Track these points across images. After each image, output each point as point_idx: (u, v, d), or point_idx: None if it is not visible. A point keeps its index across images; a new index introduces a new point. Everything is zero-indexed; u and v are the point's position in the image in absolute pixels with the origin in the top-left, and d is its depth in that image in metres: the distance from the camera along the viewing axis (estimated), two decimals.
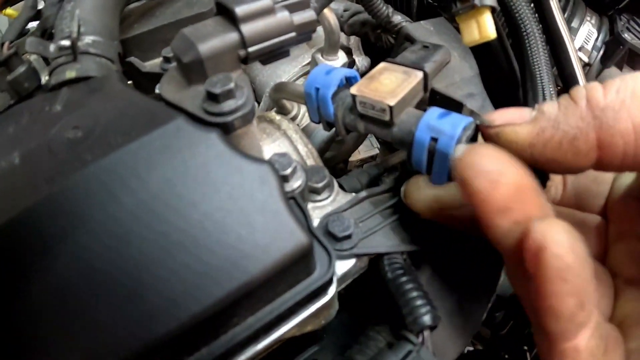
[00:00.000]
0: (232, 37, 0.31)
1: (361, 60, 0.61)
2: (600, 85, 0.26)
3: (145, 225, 0.24)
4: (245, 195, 0.25)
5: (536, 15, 0.48)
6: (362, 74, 0.35)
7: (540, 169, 0.28)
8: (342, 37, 0.54)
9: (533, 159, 0.27)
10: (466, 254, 0.36)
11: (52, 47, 0.37)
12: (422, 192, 0.33)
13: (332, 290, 0.29)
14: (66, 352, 0.22)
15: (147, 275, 0.23)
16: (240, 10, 0.31)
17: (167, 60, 0.45)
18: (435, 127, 0.30)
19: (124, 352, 0.22)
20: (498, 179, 0.25)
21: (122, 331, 0.22)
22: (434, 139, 0.30)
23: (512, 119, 0.28)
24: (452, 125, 0.29)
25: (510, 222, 0.25)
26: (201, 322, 0.23)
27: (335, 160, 0.52)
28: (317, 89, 0.35)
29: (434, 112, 0.31)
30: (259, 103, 0.54)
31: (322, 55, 0.50)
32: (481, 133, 0.30)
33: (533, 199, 0.26)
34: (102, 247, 0.23)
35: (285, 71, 0.55)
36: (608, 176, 0.33)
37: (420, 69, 0.33)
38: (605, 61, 0.65)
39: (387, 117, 0.31)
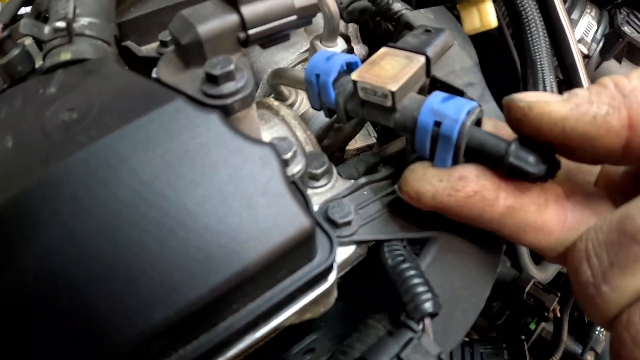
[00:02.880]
0: (232, 18, 0.31)
1: (359, 49, 0.60)
2: (622, 76, 0.27)
3: (141, 209, 0.23)
4: (246, 177, 0.24)
5: (537, 4, 0.48)
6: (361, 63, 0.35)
7: (567, 148, 0.28)
8: (341, 25, 0.53)
9: (564, 134, 0.27)
10: (465, 242, 0.36)
11: (46, 29, 0.36)
12: (418, 176, 0.32)
13: (332, 276, 0.29)
14: (58, 341, 0.22)
15: (143, 260, 0.22)
16: None
17: (163, 44, 0.44)
18: (439, 111, 0.29)
19: (118, 340, 0.22)
20: None
21: (117, 319, 0.22)
22: (438, 123, 0.29)
23: (545, 97, 0.28)
24: (456, 108, 0.29)
25: None
26: (200, 309, 0.22)
27: (332, 148, 0.51)
28: (318, 76, 0.34)
29: (437, 96, 0.30)
30: (256, 90, 0.54)
31: (321, 42, 0.49)
32: (508, 110, 0.29)
33: None
34: (97, 231, 0.23)
35: (283, 58, 0.54)
36: None
37: (423, 53, 0.33)
38: (604, 54, 0.65)
39: (389, 103, 0.31)
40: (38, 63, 0.44)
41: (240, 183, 0.24)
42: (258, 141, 0.25)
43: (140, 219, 0.23)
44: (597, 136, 0.26)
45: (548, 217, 0.31)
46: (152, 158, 0.24)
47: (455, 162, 0.30)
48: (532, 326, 0.55)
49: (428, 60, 0.33)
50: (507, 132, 0.33)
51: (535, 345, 0.55)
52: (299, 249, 0.24)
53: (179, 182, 0.23)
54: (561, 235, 0.31)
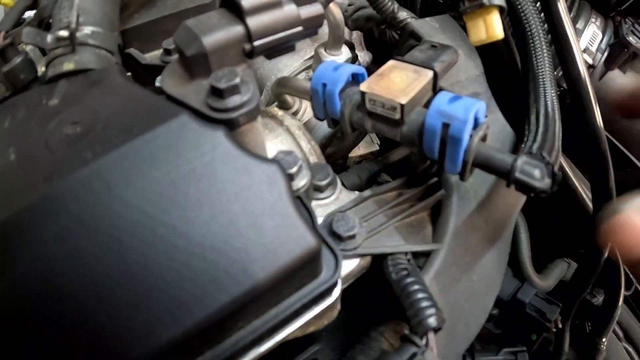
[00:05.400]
0: (238, 30, 0.30)
1: (363, 56, 0.60)
2: None
3: (147, 228, 0.23)
4: (253, 197, 0.24)
5: (542, 14, 0.47)
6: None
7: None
8: (345, 32, 0.53)
9: None
10: (469, 255, 0.36)
11: (49, 38, 0.36)
12: None
13: (337, 291, 0.28)
14: None
15: (149, 280, 0.22)
16: (246, 2, 0.30)
17: (167, 52, 0.44)
18: (447, 112, 0.29)
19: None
20: None
21: (123, 338, 0.22)
22: (446, 125, 0.29)
23: None
24: (465, 109, 0.29)
25: None
26: (206, 329, 0.22)
27: (335, 157, 0.51)
28: (324, 85, 0.34)
29: (444, 96, 0.30)
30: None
31: (325, 50, 0.49)
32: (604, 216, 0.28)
33: None
34: (102, 250, 0.22)
35: (287, 65, 0.54)
36: None
37: (431, 68, 0.33)
38: (609, 64, 0.65)
39: (397, 116, 0.31)
40: (40, 69, 0.44)
41: (247, 203, 0.23)
42: (264, 159, 0.25)
43: (145, 239, 0.22)
44: None
45: None
46: (157, 177, 0.23)
47: (463, 170, 0.30)
48: (534, 336, 0.55)
49: (436, 75, 0.32)
50: None
51: (537, 355, 0.54)
52: (305, 268, 0.24)
53: (184, 202, 0.23)
54: None
